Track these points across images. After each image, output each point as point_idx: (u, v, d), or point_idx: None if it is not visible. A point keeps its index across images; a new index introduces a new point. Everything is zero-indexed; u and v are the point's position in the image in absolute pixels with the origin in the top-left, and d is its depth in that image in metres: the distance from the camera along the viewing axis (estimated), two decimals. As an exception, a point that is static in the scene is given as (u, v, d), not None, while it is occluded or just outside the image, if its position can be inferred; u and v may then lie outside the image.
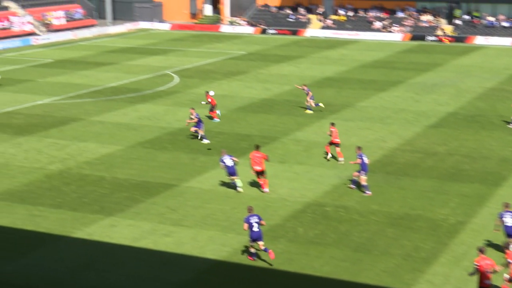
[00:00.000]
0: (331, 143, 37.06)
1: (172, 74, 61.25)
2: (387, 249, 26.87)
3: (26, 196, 32.22)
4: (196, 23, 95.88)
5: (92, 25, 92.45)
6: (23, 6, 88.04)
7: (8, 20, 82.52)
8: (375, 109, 48.28)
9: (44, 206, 30.98)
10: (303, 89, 47.69)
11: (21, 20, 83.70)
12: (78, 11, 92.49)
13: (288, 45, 78.65)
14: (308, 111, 47.09)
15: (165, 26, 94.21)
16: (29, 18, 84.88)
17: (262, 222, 25.88)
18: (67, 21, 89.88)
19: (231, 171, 32.43)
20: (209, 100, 45.36)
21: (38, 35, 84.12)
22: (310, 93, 47.16)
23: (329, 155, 37.37)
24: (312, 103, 47.13)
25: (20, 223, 29.18)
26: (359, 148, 33.01)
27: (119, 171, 35.67)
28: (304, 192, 32.77)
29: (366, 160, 32.54)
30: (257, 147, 32.92)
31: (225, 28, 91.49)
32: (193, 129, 40.90)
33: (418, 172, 35.51)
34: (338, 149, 37.05)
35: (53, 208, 30.75)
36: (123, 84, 56.74)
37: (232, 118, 45.88)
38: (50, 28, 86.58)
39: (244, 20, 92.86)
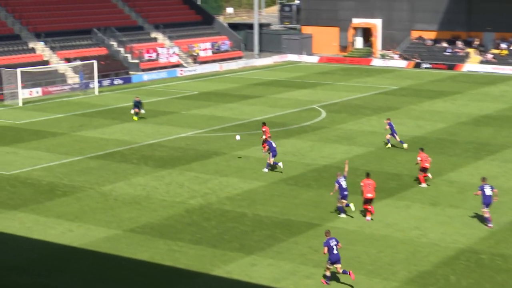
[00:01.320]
0: (422, 169, 38.81)
1: (319, 109, 61.44)
2: (549, 304, 25.59)
3: (166, 230, 32.97)
4: (345, 56, 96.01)
5: (239, 57, 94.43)
6: (171, 38, 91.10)
7: (155, 51, 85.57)
8: (539, 150, 46.48)
9: (183, 242, 31.57)
10: (387, 123, 47.40)
11: (168, 51, 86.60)
12: (225, 43, 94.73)
13: (443, 80, 77.27)
14: (389, 145, 47.25)
15: (313, 59, 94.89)
16: (176, 50, 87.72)
17: (339, 245, 27.45)
18: (214, 53, 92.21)
19: (345, 195, 33.94)
20: (263, 130, 45.83)
21: (184, 66, 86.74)
22: (393, 128, 47.00)
23: (424, 185, 39.04)
24: (397, 137, 46.95)
25: (158, 258, 29.84)
26: (483, 179, 33.48)
27: (261, 208, 35.93)
28: (457, 238, 31.82)
29: (488, 192, 32.57)
30: (367, 175, 34.30)
31: (376, 62, 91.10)
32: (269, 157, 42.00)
33: None
34: (423, 173, 38.86)
35: (193, 244, 31.28)
36: (268, 118, 57.35)
37: (381, 156, 45.38)
38: (197, 60, 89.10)
39: (396, 54, 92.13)
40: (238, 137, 46.75)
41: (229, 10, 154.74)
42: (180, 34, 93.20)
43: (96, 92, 70.69)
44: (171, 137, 51.34)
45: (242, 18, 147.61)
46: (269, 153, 42.10)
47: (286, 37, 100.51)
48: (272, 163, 42.09)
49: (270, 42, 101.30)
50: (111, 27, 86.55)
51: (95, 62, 71.64)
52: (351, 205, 34.21)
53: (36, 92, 69.32)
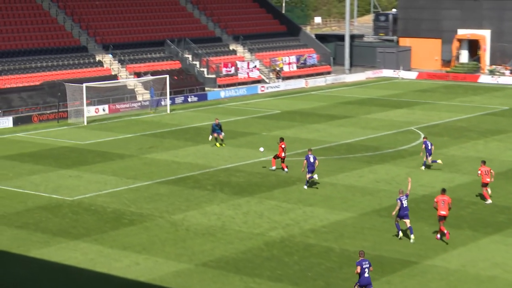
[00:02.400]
0: (484, 184, 41.38)
1: (418, 131, 60.92)
2: None
3: (242, 265, 33.06)
4: (448, 71, 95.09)
5: (327, 73, 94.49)
6: (251, 51, 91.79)
7: (234, 65, 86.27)
8: None
9: (262, 278, 31.59)
10: (423, 142, 48.91)
11: (249, 66, 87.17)
12: (312, 56, 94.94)
13: (562, 100, 75.82)
14: (422, 168, 48.77)
15: (411, 75, 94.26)
16: (257, 64, 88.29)
17: (371, 268, 28.67)
18: (299, 67, 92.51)
19: (405, 214, 35.47)
20: (283, 146, 48.12)
21: (266, 82, 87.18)
22: (429, 147, 48.20)
23: (489, 201, 41.33)
24: (429, 159, 48.32)
25: (234, 296, 29.96)
26: None
27: (349, 242, 35.73)
28: None
29: None
30: (443, 191, 36.15)
31: (484, 78, 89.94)
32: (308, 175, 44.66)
33: None
34: (487, 189, 41.36)
35: (272, 281, 31.27)
36: (359, 141, 57.16)
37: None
38: (280, 75, 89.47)
39: (508, 69, 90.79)
40: (262, 149, 49.44)
41: (317, 19, 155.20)
42: (262, 47, 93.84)
43: (168, 110, 71.61)
44: (250, 161, 51.56)
45: (332, 29, 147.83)
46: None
47: (381, 50, 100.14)
48: (308, 178, 44.54)
49: (363, 56, 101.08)
50: (185, 38, 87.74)
51: (167, 77, 72.59)
52: (412, 237, 35.51)
53: (103, 109, 70.69)
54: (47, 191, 44.53)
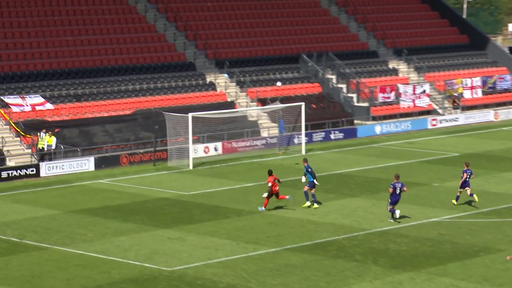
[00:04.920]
0: None
1: None
2: None
3: None
4: None
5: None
6: (419, 70, 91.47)
7: (394, 90, 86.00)
8: None
9: None
10: (464, 169, 53.61)
11: (415, 90, 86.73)
12: (504, 78, 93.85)
13: None
14: (475, 199, 53.77)
15: None
16: (427, 88, 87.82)
17: None
18: (485, 93, 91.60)
19: None
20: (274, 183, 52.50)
21: (439, 114, 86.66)
22: (468, 178, 53.40)
23: None
24: (463, 189, 53.67)
25: None
26: None
27: None
28: None
29: None
30: None
31: None
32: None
33: None
34: None
35: None
36: None
37: None
38: (459, 104, 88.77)
39: None
40: (279, 83, 51.52)
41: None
42: (434, 64, 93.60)
43: (303, 151, 71.92)
44: (416, 222, 51.29)
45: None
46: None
47: None
48: (389, 210, 50.93)
49: None
50: (328, 52, 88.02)
51: (302, 105, 72.88)
52: None
53: (214, 148, 71.54)
54: (138, 258, 45.17)
